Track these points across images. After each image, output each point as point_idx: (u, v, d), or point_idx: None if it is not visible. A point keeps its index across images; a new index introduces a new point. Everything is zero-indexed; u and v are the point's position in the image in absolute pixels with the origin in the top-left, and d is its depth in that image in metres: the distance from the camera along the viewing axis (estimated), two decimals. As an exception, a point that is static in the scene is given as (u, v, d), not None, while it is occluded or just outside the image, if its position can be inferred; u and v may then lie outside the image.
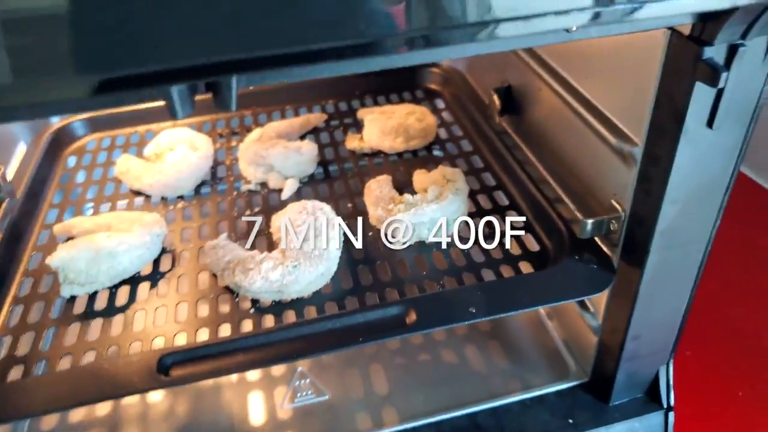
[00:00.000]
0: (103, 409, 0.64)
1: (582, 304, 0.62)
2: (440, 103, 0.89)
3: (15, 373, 0.50)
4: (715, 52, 0.36)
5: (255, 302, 0.56)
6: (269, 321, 0.54)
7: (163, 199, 0.72)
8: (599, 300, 0.58)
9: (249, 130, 0.84)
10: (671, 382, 0.61)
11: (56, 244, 0.64)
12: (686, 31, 0.37)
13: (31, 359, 0.51)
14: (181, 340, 0.52)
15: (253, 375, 0.68)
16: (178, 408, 0.64)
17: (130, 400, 0.65)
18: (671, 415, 0.61)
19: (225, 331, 0.53)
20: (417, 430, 0.61)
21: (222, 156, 0.79)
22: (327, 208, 0.62)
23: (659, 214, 0.45)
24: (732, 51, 0.36)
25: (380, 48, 0.31)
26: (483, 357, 0.69)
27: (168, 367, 0.45)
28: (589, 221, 0.52)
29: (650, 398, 0.62)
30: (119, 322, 0.55)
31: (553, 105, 0.60)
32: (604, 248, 0.54)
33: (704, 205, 0.46)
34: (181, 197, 0.72)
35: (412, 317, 0.49)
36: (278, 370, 0.68)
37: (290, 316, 0.54)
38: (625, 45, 0.45)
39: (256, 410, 0.63)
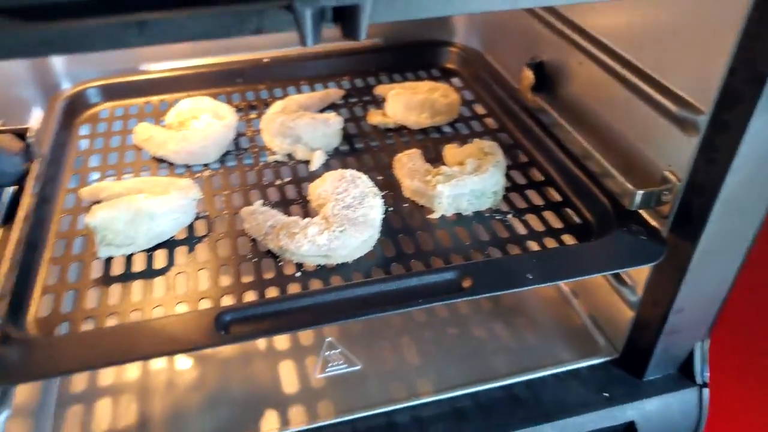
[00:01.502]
0: (131, 373, 0.62)
1: (619, 279, 0.62)
2: (458, 82, 0.89)
3: (61, 330, 0.48)
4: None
5: (299, 266, 0.54)
6: (316, 285, 0.53)
7: (188, 167, 0.71)
8: (639, 273, 0.58)
9: (266, 104, 0.82)
10: (707, 359, 0.62)
11: (83, 207, 0.62)
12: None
13: (77, 317, 0.49)
14: (229, 303, 0.50)
15: (282, 345, 0.66)
16: (208, 377, 0.63)
17: (158, 367, 0.63)
18: (705, 391, 0.62)
19: (273, 294, 0.51)
20: (454, 400, 0.60)
21: (242, 128, 0.78)
22: (365, 177, 0.62)
23: (723, 183, 0.45)
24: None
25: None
26: (511, 332, 0.69)
27: (227, 324, 0.44)
28: (640, 192, 0.52)
29: (683, 375, 0.63)
30: (161, 285, 0.53)
31: (596, 78, 0.60)
32: (651, 220, 0.55)
33: (766, 170, 0.46)
34: (206, 166, 0.71)
35: (468, 282, 0.48)
36: (306, 340, 0.67)
37: (337, 281, 0.53)
38: (692, 13, 0.45)
39: (288, 379, 0.62)
